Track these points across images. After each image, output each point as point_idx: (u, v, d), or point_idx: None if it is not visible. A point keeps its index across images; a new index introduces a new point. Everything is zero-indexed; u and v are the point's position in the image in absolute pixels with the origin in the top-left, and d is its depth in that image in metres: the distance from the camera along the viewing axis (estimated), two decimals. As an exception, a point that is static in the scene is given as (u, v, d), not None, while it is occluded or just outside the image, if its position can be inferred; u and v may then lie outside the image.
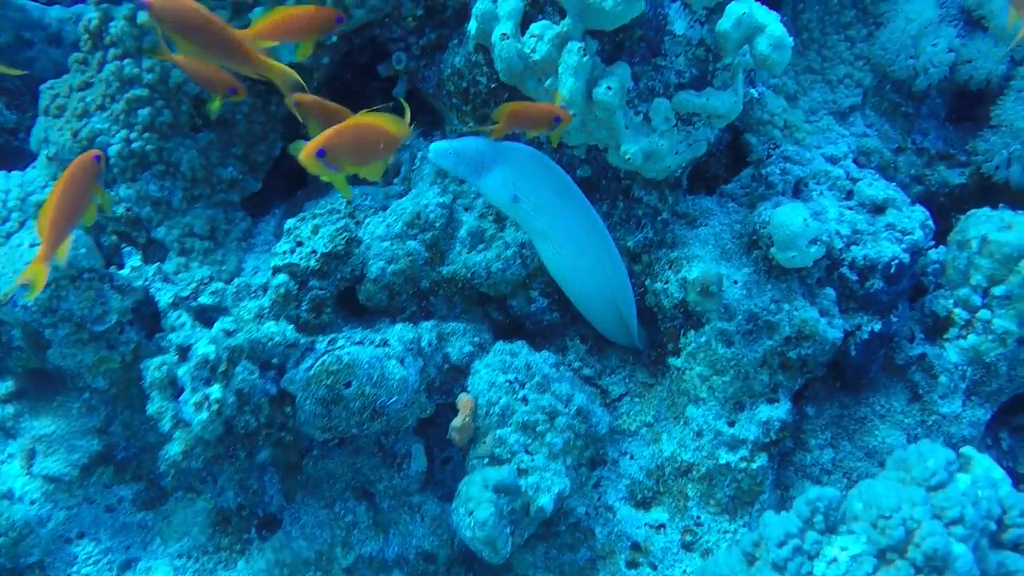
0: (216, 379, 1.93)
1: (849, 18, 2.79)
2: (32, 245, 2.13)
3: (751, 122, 2.49)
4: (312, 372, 2.13)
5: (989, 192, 2.82)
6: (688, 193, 2.44)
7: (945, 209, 2.86)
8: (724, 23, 1.98)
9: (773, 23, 1.96)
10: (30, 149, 2.71)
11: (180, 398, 2.00)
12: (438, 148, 2.05)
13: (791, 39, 1.96)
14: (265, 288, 2.53)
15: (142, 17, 2.40)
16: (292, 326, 2.29)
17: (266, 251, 2.73)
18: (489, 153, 2.06)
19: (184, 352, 2.07)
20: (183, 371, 2.04)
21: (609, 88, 2.06)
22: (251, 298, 2.39)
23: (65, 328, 2.19)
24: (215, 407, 1.90)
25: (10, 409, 2.35)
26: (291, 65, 2.50)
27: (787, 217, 2.08)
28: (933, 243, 2.33)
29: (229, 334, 2.18)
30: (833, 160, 2.60)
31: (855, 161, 2.69)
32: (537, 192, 2.12)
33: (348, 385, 2.12)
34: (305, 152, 1.73)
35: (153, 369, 2.03)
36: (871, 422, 2.28)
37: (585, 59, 2.06)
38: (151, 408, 2.06)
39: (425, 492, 2.42)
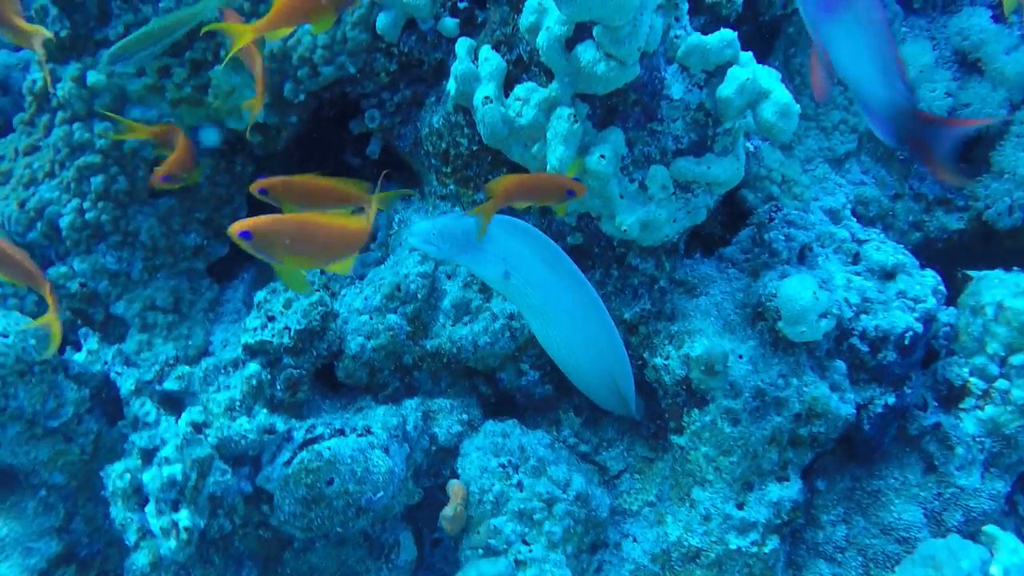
0: (185, 500, 1.76)
1: (842, 60, 2.67)
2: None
3: (748, 177, 2.36)
4: (290, 470, 1.97)
5: (989, 237, 2.73)
6: (684, 253, 2.31)
7: (944, 255, 2.77)
8: (726, 89, 1.85)
9: (778, 89, 1.83)
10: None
11: (146, 509, 1.82)
12: (420, 233, 1.89)
13: (798, 106, 1.83)
14: (235, 364, 2.36)
15: (92, 78, 2.21)
16: (266, 411, 2.13)
17: (235, 321, 2.55)
18: (476, 229, 1.91)
19: (148, 455, 1.89)
20: (148, 477, 1.86)
21: (602, 157, 1.92)
22: (221, 384, 2.21)
23: (15, 427, 2.00)
24: (184, 536, 1.73)
25: (-44, 511, 2.15)
26: (256, 126, 2.35)
27: (796, 291, 1.96)
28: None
29: (198, 428, 2.01)
30: (832, 214, 2.49)
31: (853, 212, 2.59)
32: (529, 267, 1.97)
33: (330, 483, 1.96)
34: (232, 228, 1.53)
35: (115, 478, 1.85)
36: (885, 496, 2.16)
37: (576, 126, 1.92)
38: (115, 518, 1.88)
39: (415, 582, 2.27)
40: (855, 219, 2.57)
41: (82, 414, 2.13)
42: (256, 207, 2.69)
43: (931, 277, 2.13)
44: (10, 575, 2.14)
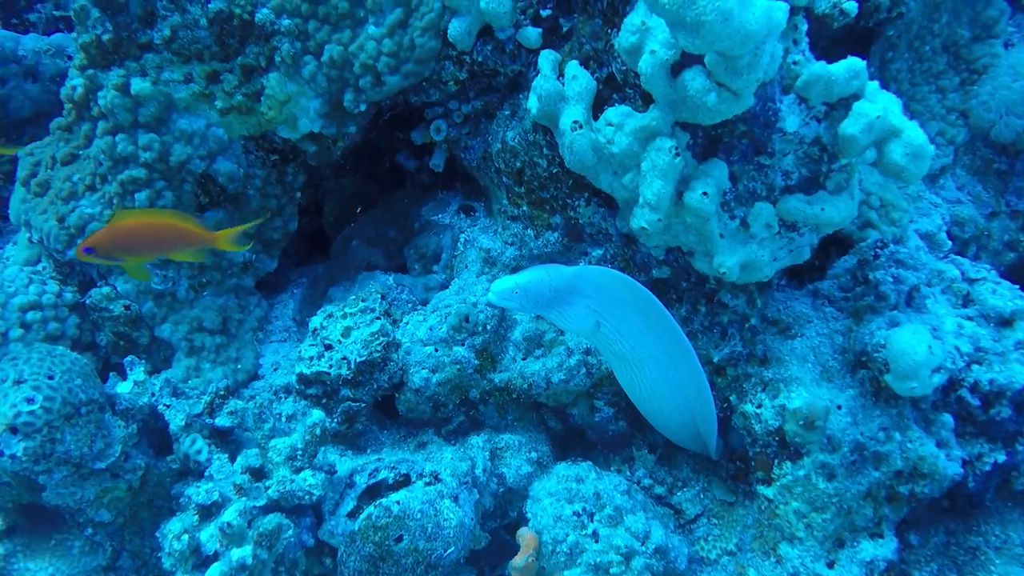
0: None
1: (941, 66, 2.46)
2: (18, 382, 1.79)
3: (843, 201, 2.17)
4: (357, 525, 1.84)
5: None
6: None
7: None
8: (851, 126, 1.65)
9: (911, 127, 1.63)
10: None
11: (207, 574, 1.70)
12: (501, 291, 1.70)
13: (932, 147, 1.63)
14: (287, 391, 2.22)
15: (137, 86, 2.03)
16: (323, 448, 2.00)
17: (285, 340, 2.40)
18: (564, 285, 1.74)
19: (206, 512, 1.76)
20: (207, 535, 1.74)
21: (705, 194, 1.74)
22: (275, 417, 2.07)
23: (62, 471, 1.86)
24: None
25: (0, 549, 2.03)
26: (311, 136, 2.17)
27: (910, 344, 1.79)
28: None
29: (256, 475, 1.87)
30: (928, 238, 2.31)
31: (949, 233, 2.40)
32: (621, 316, 1.81)
33: (399, 540, 1.83)
34: (76, 250, 1.84)
35: (172, 539, 1.72)
36: (984, 554, 2.02)
37: (677, 160, 1.73)
38: (171, 577, 1.76)
39: (478, 629, 2.16)
40: (951, 241, 2.39)
41: (129, 449, 2.00)
42: (301, 216, 2.54)
43: (1053, 326, 1.96)
44: (57, 616, 2.04)
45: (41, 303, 2.12)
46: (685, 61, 1.66)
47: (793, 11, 1.69)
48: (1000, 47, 2.47)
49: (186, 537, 1.70)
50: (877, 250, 1.99)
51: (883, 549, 1.94)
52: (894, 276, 1.93)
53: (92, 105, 2.07)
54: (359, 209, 2.46)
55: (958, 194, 2.48)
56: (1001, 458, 1.92)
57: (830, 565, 1.95)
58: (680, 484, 2.23)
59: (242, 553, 1.63)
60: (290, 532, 1.80)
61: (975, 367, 1.92)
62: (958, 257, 2.12)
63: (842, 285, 2.05)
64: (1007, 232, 2.54)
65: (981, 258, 2.52)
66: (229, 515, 1.69)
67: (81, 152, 2.15)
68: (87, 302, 2.15)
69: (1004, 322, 1.95)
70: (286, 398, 2.23)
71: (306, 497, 1.80)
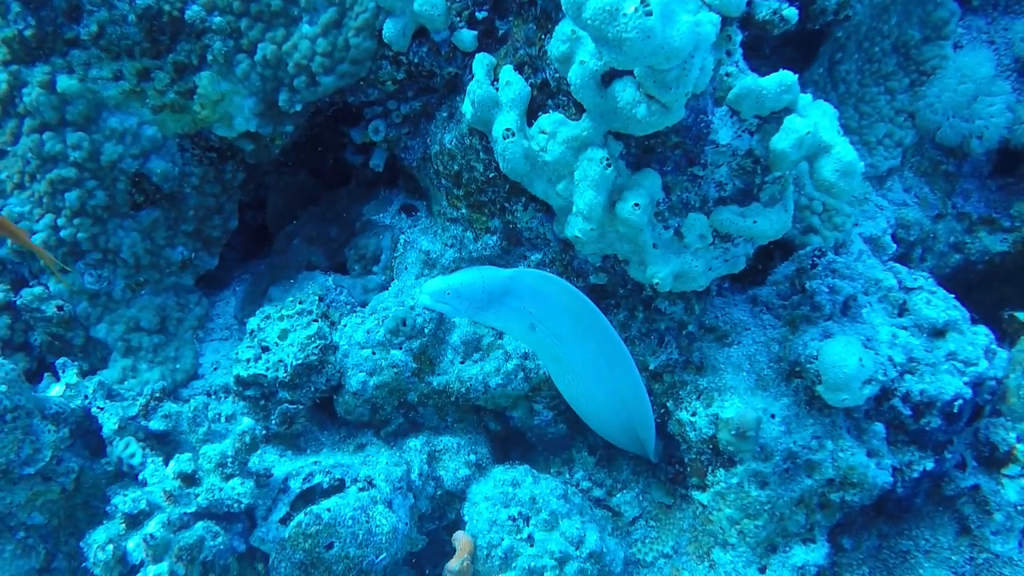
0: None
1: (891, 67, 2.44)
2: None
3: (786, 205, 2.17)
4: (287, 533, 1.83)
5: (1034, 262, 2.56)
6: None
7: (985, 278, 2.61)
8: (781, 142, 1.63)
9: (841, 143, 1.62)
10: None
11: (132, 583, 1.69)
12: (433, 292, 1.69)
13: (862, 164, 1.62)
14: (227, 391, 2.21)
15: (63, 84, 1.97)
16: (258, 453, 1.99)
17: (226, 338, 2.38)
18: (497, 287, 1.72)
19: (133, 520, 1.74)
20: (133, 544, 1.72)
21: (636, 205, 1.72)
22: (212, 418, 2.05)
23: (-13, 479, 1.85)
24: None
25: (-71, 554, 2.01)
26: (248, 134, 2.13)
27: (840, 356, 1.79)
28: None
29: (187, 480, 1.86)
30: (872, 241, 2.31)
31: (894, 236, 2.40)
32: (557, 320, 1.80)
33: (329, 547, 1.83)
34: None
35: (97, 549, 1.71)
36: (914, 558, 2.05)
37: (608, 171, 1.71)
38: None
39: (417, 630, 2.17)
40: (895, 244, 2.39)
41: (62, 452, 1.98)
42: (245, 210, 2.50)
43: (983, 335, 1.97)
44: (-11, 621, 2.03)
45: (-24, 307, 2.08)
46: (615, 72, 1.64)
47: (726, 22, 1.67)
48: (949, 48, 2.46)
49: (110, 547, 1.69)
50: (815, 259, 1.99)
51: (814, 554, 1.96)
52: (829, 286, 1.93)
53: (17, 102, 2.01)
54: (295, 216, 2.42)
55: (905, 196, 2.48)
56: (930, 466, 1.95)
57: (762, 570, 1.97)
58: (620, 486, 2.24)
59: (159, 569, 1.62)
60: (219, 540, 1.79)
61: (907, 377, 1.93)
62: (897, 265, 2.12)
63: (780, 292, 2.05)
64: (953, 234, 2.54)
65: (927, 260, 2.53)
66: (153, 527, 1.68)
67: (8, 148, 2.09)
68: (18, 302, 2.11)
69: (936, 332, 1.96)
70: (225, 398, 2.22)
71: (235, 505, 1.79)
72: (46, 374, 2.11)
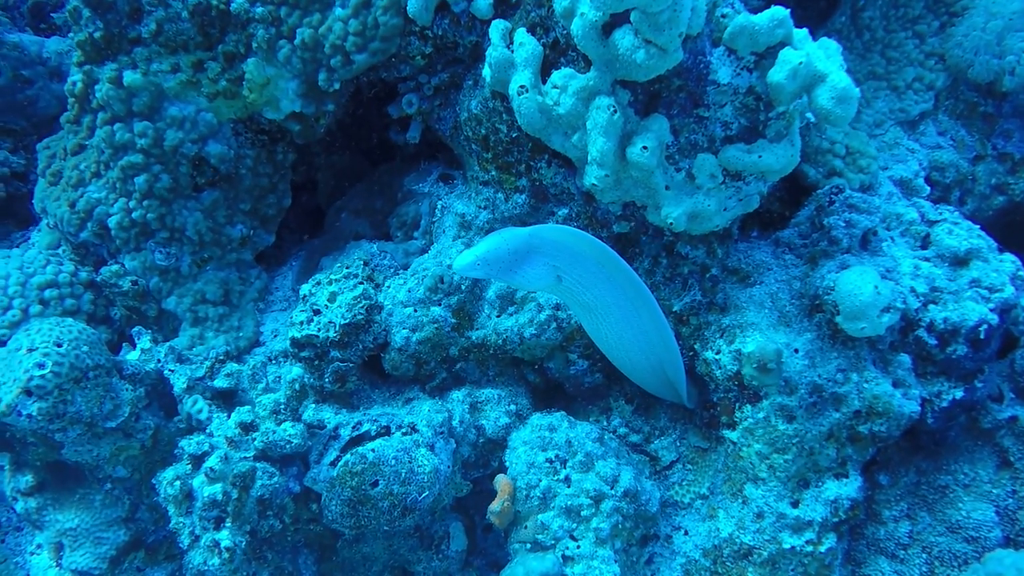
0: (228, 517, 1.79)
1: (918, 10, 2.44)
2: (30, 350, 1.99)
3: (808, 150, 2.21)
4: (335, 472, 1.98)
5: (1082, 200, 2.50)
6: (740, 235, 2.18)
7: (1032, 220, 2.56)
8: (777, 74, 1.70)
9: (835, 71, 1.67)
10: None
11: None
12: (464, 263, 1.78)
13: (857, 90, 1.66)
14: (286, 355, 2.38)
15: (128, 78, 2.20)
16: (314, 406, 2.15)
17: (285, 309, 2.56)
18: (520, 246, 1.82)
19: (198, 460, 1.93)
20: (198, 481, 1.91)
21: (645, 148, 1.81)
22: (271, 377, 2.23)
23: (76, 430, 2.06)
24: (226, 555, 1.76)
25: (33, 503, 2.25)
26: (294, 115, 2.31)
27: (855, 284, 1.83)
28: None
29: (246, 428, 2.04)
30: (903, 184, 2.31)
31: (928, 179, 2.40)
32: (581, 268, 1.89)
33: (375, 484, 1.97)
34: None
35: (166, 484, 1.90)
36: (953, 492, 2.05)
37: (616, 117, 1.81)
38: (171, 521, 1.94)
39: (467, 571, 2.29)
40: (929, 187, 2.38)
41: (139, 411, 2.18)
42: (300, 192, 2.69)
43: (1009, 262, 1.96)
44: (83, 563, 2.25)
45: (57, 281, 2.32)
46: (615, 21, 1.74)
47: (719, -36, 1.74)
48: (981, -11, 2.44)
49: (178, 483, 1.88)
50: (832, 196, 2.02)
51: (847, 488, 1.99)
52: (846, 220, 1.97)
53: (91, 98, 2.25)
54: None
55: (939, 139, 2.47)
56: (959, 394, 1.95)
57: (794, 504, 2.01)
58: (657, 433, 2.31)
59: (213, 490, 1.79)
60: (275, 480, 1.95)
61: (931, 307, 1.94)
62: (920, 200, 2.12)
63: (801, 232, 2.09)
64: (994, 175, 2.51)
65: (967, 203, 2.50)
66: (212, 461, 1.85)
67: (87, 142, 2.34)
68: (98, 279, 2.35)
69: (959, 261, 1.96)
70: (284, 361, 2.40)
71: (286, 446, 1.95)
72: (124, 344, 2.34)
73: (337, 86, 2.22)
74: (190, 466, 1.94)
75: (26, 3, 3.79)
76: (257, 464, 1.93)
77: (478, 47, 2.15)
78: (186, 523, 1.90)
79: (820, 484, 2.00)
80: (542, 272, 1.91)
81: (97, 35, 2.19)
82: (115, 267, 2.34)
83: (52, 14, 3.30)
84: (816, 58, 1.67)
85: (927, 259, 1.98)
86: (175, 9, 2.18)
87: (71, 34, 2.24)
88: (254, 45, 2.20)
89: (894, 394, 1.91)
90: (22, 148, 3.16)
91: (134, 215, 2.30)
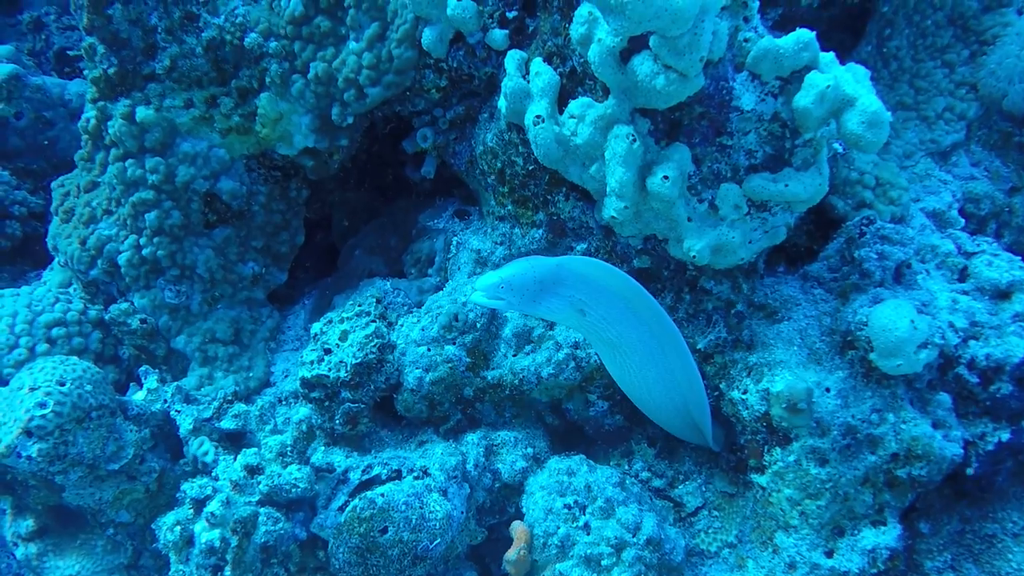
0: (227, 566, 1.70)
1: (947, 40, 2.38)
2: (32, 389, 1.94)
3: (836, 182, 2.13)
4: (343, 518, 1.90)
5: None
6: (765, 269, 2.10)
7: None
8: (803, 99, 1.63)
9: (866, 94, 1.60)
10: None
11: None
12: (486, 287, 1.71)
13: (888, 113, 1.59)
14: (296, 396, 2.31)
15: (141, 114, 2.18)
16: (323, 448, 2.07)
17: (297, 349, 2.50)
18: (547, 275, 1.74)
19: (200, 505, 1.85)
20: (200, 527, 1.83)
21: (666, 178, 1.74)
22: (280, 419, 2.16)
23: (77, 472, 2.00)
24: (225, 606, 1.68)
25: (33, 549, 2.18)
26: (307, 151, 2.27)
27: (890, 319, 1.73)
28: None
29: (252, 472, 1.96)
30: (936, 216, 2.22)
31: (962, 211, 2.30)
32: (607, 303, 1.80)
33: (384, 531, 1.88)
34: None
35: (167, 530, 1.82)
36: (1002, 541, 1.92)
37: (635, 145, 1.74)
38: (171, 568, 1.85)
39: (483, 622, 2.18)
40: (964, 219, 2.29)
41: (144, 453, 2.12)
42: (314, 230, 2.65)
43: (1054, 295, 1.86)
44: (84, 612, 2.17)
45: (65, 320, 2.28)
46: (633, 47, 1.68)
47: (739, -12, 1.69)
48: (1013, 15, 2.37)
49: (179, 528, 1.80)
50: (863, 227, 1.94)
51: (885, 536, 1.86)
52: (878, 252, 1.88)
53: (104, 135, 2.23)
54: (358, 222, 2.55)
55: (972, 170, 2.38)
56: (1006, 436, 1.83)
57: (828, 554, 1.88)
58: (682, 477, 2.20)
59: (210, 536, 1.71)
60: (280, 525, 1.87)
61: (971, 343, 1.83)
62: (956, 231, 2.03)
63: (831, 266, 2.01)
64: (1032, 208, 2.41)
65: (1004, 235, 2.40)
66: (213, 505, 1.77)
67: (99, 179, 2.31)
68: (107, 317, 2.30)
69: (1001, 294, 1.86)
70: (295, 403, 2.33)
71: (292, 490, 1.87)
72: (132, 384, 2.28)
73: (351, 120, 2.19)
74: (192, 511, 1.86)
75: (52, 48, 3.85)
76: (261, 509, 1.85)
77: (494, 79, 2.11)
78: (185, 571, 1.82)
79: (856, 532, 1.88)
80: (566, 305, 1.83)
81: (111, 71, 2.17)
82: (124, 305, 2.30)
83: (78, 62, 3.33)
84: (844, 81, 1.60)
85: (966, 292, 1.88)
86: (189, 45, 2.17)
87: (86, 71, 2.23)
88: (267, 80, 2.18)
89: (934, 436, 1.79)
90: (41, 189, 3.17)
91: (144, 252, 2.26)
